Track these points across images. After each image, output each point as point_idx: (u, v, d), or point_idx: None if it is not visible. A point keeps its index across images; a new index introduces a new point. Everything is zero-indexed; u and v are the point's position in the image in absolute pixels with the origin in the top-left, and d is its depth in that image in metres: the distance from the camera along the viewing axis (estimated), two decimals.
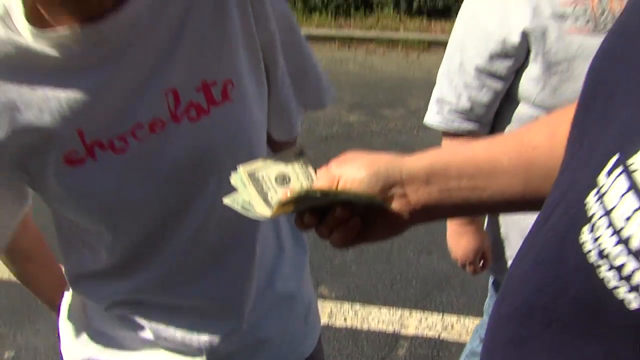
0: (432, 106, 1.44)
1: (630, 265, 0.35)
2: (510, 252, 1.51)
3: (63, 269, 1.08)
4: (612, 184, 0.37)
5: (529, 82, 1.27)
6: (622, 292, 0.36)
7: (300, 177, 0.74)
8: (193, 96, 0.87)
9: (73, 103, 0.81)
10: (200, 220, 0.93)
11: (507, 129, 1.38)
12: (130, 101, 0.83)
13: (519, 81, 1.31)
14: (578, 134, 0.50)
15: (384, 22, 6.52)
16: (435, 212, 0.71)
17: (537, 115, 1.29)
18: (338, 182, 0.70)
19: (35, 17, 0.78)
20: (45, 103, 0.80)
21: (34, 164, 0.85)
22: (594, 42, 1.16)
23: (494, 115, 1.41)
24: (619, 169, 0.37)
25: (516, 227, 1.47)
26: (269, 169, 0.73)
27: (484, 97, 1.35)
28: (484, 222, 1.59)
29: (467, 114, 1.38)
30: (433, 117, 1.44)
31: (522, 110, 1.33)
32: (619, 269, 0.36)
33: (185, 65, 0.85)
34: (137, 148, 0.85)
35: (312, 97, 1.09)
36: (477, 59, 1.31)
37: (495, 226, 1.53)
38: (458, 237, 1.55)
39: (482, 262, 1.57)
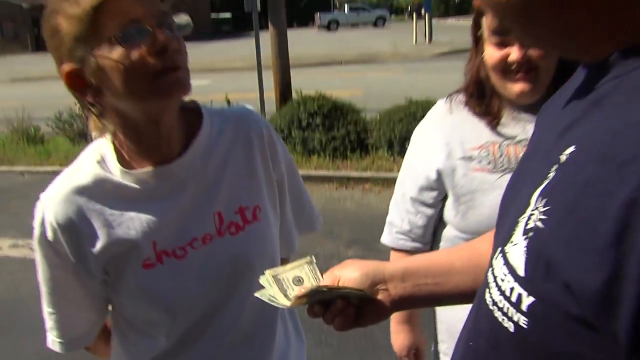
0: (385, 228, 1.75)
1: (506, 304, 0.60)
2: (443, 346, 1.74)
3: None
4: (497, 263, 0.63)
5: (448, 209, 1.59)
6: (505, 322, 0.61)
7: (310, 279, 1.00)
8: (232, 217, 1.19)
9: (150, 222, 1.11)
10: (237, 309, 1.19)
11: (440, 246, 1.65)
12: (188, 220, 1.15)
13: (444, 208, 1.61)
14: (494, 239, 0.76)
15: (379, 163, 6.92)
16: (409, 302, 0.97)
17: (459, 236, 1.57)
18: (339, 281, 0.97)
19: (123, 161, 1.12)
20: (131, 222, 1.11)
21: (117, 267, 1.13)
22: (492, 178, 1.49)
23: (433, 235, 1.70)
24: (501, 254, 0.63)
25: (445, 326, 1.71)
26: (287, 273, 1.00)
27: (419, 220, 1.67)
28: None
29: (408, 235, 1.69)
30: (385, 237, 1.77)
31: (448, 231, 1.62)
32: (501, 309, 0.61)
33: (227, 195, 1.19)
34: (193, 255, 1.15)
35: (307, 222, 1.44)
36: (412, 191, 1.65)
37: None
38: (396, 335, 1.81)
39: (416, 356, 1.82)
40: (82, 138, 9.23)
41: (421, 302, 0.98)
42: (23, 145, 9.28)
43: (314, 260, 1.03)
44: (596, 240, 0.49)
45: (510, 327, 0.59)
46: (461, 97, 1.59)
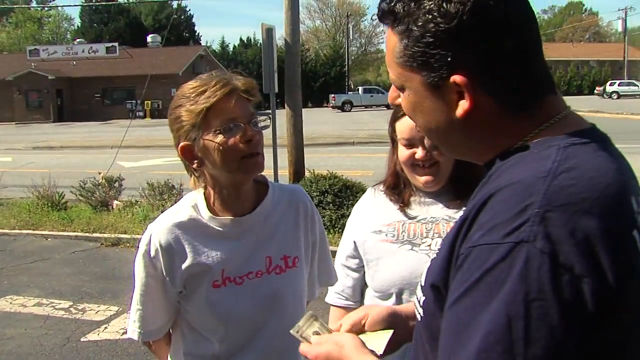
0: (330, 290, 2.10)
1: (417, 305, 1.01)
2: None
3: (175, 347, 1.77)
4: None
5: (366, 273, 1.99)
6: (418, 315, 1.00)
7: (324, 331, 1.30)
8: (278, 262, 1.68)
9: (223, 255, 1.60)
10: (274, 329, 1.63)
11: (365, 303, 2.01)
12: (249, 258, 1.64)
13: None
14: None
15: None
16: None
17: (374, 295, 1.96)
18: (366, 319, 1.29)
19: (211, 209, 1.62)
20: (210, 253, 1.60)
21: (193, 283, 1.60)
22: (393, 247, 1.89)
23: (361, 295, 2.05)
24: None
25: None
26: (307, 330, 1.28)
27: (348, 282, 2.04)
28: None
29: (341, 294, 2.05)
30: (327, 297, 2.10)
31: (369, 291, 2.02)
32: (416, 308, 1.01)
33: (277, 246, 1.67)
34: (247, 283, 1.62)
35: (327, 278, 1.92)
36: (341, 258, 2.05)
37: None
38: None
39: None
40: (104, 206, 9.66)
41: None
42: (47, 211, 9.72)
43: (316, 315, 1.33)
44: (441, 256, 0.92)
45: (418, 317, 1.02)
46: (381, 187, 2.03)
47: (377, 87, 57.93)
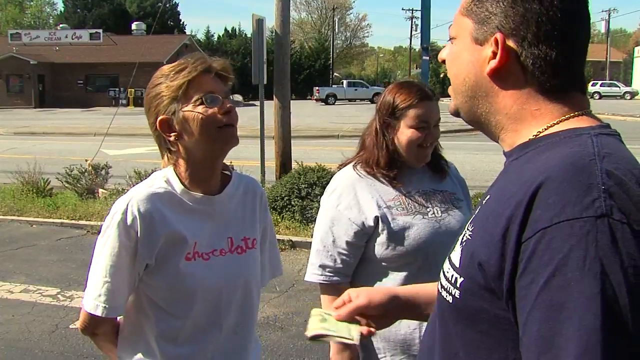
0: (313, 270, 2.20)
1: (449, 285, 1.03)
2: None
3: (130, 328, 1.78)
4: (445, 264, 1.07)
5: (377, 246, 2.13)
6: (447, 297, 1.03)
7: (325, 315, 1.37)
8: (239, 243, 1.78)
9: (196, 230, 1.67)
10: (234, 306, 1.75)
11: (363, 279, 2.15)
12: (214, 237, 1.72)
13: (369, 247, 2.15)
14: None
15: None
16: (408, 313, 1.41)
17: (386, 266, 2.12)
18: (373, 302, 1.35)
19: (183, 184, 1.67)
20: (186, 226, 1.66)
21: (166, 254, 1.65)
22: (409, 219, 2.11)
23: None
24: (447, 259, 1.07)
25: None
26: (331, 329, 1.32)
27: (351, 260, 2.16)
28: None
29: (341, 272, 2.16)
30: (315, 277, 2.19)
31: (368, 267, 2.16)
32: (445, 289, 1.04)
33: (237, 227, 1.77)
34: (213, 260, 1.71)
35: (275, 267, 2.03)
36: (347, 236, 2.14)
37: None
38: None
39: None
40: (90, 194, 9.62)
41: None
42: (32, 197, 9.66)
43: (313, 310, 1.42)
44: (493, 238, 0.93)
45: (450, 299, 1.03)
46: (361, 167, 2.21)
47: (361, 80, 57.97)
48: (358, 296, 1.38)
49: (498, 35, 1.02)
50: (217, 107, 1.64)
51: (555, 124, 1.02)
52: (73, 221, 8.50)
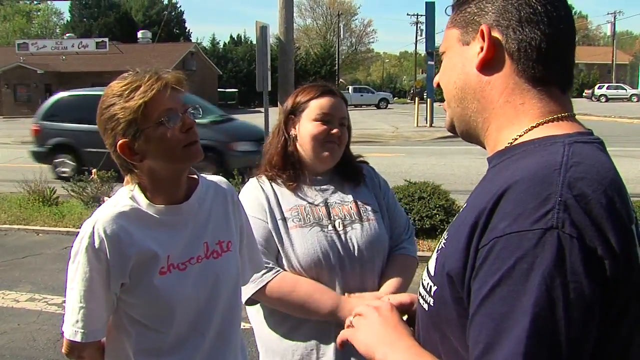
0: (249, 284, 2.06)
1: (424, 293, 1.04)
2: None
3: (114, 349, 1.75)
4: (423, 273, 1.05)
5: (283, 257, 2.02)
6: (423, 304, 1.03)
7: None
8: (214, 247, 1.75)
9: (166, 242, 1.64)
10: (216, 311, 1.72)
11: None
12: (188, 245, 1.69)
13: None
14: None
15: None
16: None
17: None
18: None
19: (148, 198, 1.63)
20: (155, 241, 1.63)
21: (140, 272, 1.62)
22: (305, 231, 1.99)
23: None
24: (425, 267, 1.06)
25: None
26: None
27: (271, 258, 2.02)
28: None
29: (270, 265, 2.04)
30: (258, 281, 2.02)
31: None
32: (422, 297, 1.04)
33: (211, 231, 1.74)
34: (190, 269, 1.69)
35: (256, 264, 1.97)
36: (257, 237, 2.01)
37: None
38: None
39: None
40: (95, 202, 9.63)
41: None
42: (38, 206, 9.68)
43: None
44: (459, 246, 0.94)
45: (426, 306, 1.05)
46: (263, 177, 2.11)
47: (367, 86, 58.03)
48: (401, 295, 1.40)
49: (483, 27, 1.05)
50: (179, 126, 1.60)
51: (534, 126, 1.03)
52: (79, 230, 8.40)
